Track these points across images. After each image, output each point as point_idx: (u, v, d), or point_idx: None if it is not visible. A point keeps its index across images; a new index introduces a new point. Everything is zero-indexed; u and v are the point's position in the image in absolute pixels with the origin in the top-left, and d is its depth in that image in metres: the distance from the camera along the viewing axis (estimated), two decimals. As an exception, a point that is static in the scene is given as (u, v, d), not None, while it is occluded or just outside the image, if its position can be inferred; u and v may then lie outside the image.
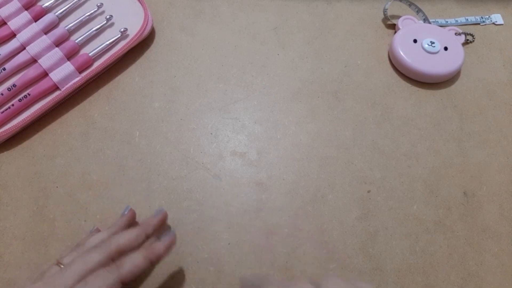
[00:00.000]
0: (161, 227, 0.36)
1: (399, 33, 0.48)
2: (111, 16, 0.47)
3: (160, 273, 0.38)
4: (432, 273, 0.38)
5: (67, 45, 0.45)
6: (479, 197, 0.42)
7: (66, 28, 0.46)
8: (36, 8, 0.47)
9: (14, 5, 0.46)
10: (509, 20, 0.51)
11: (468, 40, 0.49)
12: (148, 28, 0.47)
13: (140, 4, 0.48)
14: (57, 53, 0.44)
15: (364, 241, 0.40)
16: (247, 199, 0.41)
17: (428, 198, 0.41)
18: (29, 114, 0.43)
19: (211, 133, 0.44)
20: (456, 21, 0.51)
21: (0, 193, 0.41)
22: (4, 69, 0.44)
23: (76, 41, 0.45)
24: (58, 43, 0.45)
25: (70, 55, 0.45)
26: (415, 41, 0.47)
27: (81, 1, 0.48)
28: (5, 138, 0.42)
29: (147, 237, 0.34)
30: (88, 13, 0.47)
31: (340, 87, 0.47)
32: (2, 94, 0.43)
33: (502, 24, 0.51)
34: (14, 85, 0.43)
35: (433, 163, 0.43)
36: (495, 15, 0.52)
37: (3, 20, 0.46)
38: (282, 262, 0.39)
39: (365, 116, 0.45)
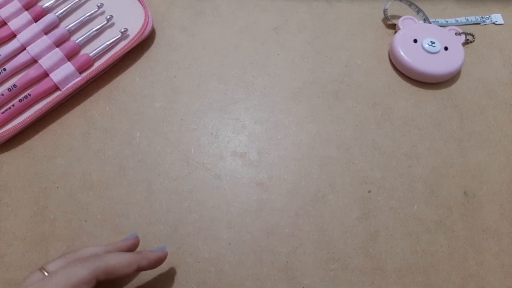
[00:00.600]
0: (157, 265, 0.34)
1: (399, 33, 0.48)
2: (112, 16, 0.47)
3: (161, 273, 0.38)
4: (433, 273, 0.38)
5: (68, 45, 0.45)
6: (480, 197, 0.42)
7: (67, 28, 0.46)
8: (36, 9, 0.47)
9: (15, 5, 0.46)
10: (509, 20, 0.51)
11: (468, 40, 0.49)
12: (149, 28, 0.47)
13: (140, 4, 0.48)
14: (57, 53, 0.44)
15: (364, 241, 0.40)
16: (248, 199, 0.41)
17: (428, 198, 0.42)
18: (30, 114, 0.43)
19: (212, 133, 0.44)
20: (456, 21, 0.51)
21: (1, 193, 0.41)
22: (4, 69, 0.44)
23: (77, 42, 0.45)
24: (58, 43, 0.45)
25: (70, 56, 0.45)
26: (415, 41, 0.47)
27: (81, 2, 0.48)
28: (5, 138, 0.42)
29: (139, 269, 0.32)
30: (89, 14, 0.47)
31: (341, 87, 0.47)
32: (2, 95, 0.43)
33: (502, 24, 0.51)
34: (14, 86, 0.43)
35: (434, 163, 0.43)
36: (495, 15, 0.52)
37: (3, 20, 0.46)
38: (282, 262, 0.39)
39: (365, 116, 0.45)
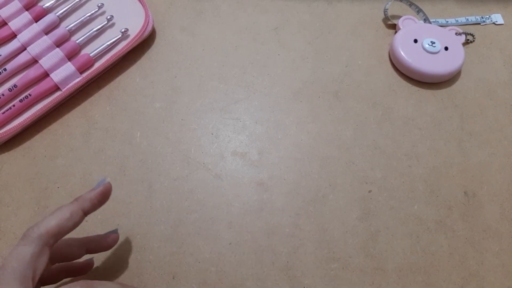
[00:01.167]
0: (102, 202, 0.32)
1: (399, 33, 0.48)
2: (112, 16, 0.47)
3: (161, 273, 0.38)
4: (433, 272, 0.38)
5: (68, 45, 0.45)
6: (480, 196, 0.42)
7: (67, 28, 0.46)
8: (36, 9, 0.47)
9: (15, 5, 0.46)
10: (510, 20, 0.52)
11: (468, 40, 0.50)
12: (149, 29, 0.47)
13: (140, 5, 0.48)
14: (58, 53, 0.44)
15: (365, 241, 0.40)
16: (248, 199, 0.41)
17: (429, 198, 0.42)
18: (30, 114, 0.43)
19: (212, 133, 0.44)
20: (457, 21, 0.51)
21: (1, 193, 0.41)
22: (5, 69, 0.44)
23: (77, 42, 0.45)
24: (59, 43, 0.45)
25: (71, 56, 0.45)
26: (415, 41, 0.47)
27: (81, 2, 0.48)
28: (6, 138, 0.43)
29: (85, 214, 0.30)
30: (89, 14, 0.47)
31: (341, 87, 0.47)
32: (3, 95, 0.43)
33: (502, 24, 0.51)
34: (15, 86, 0.43)
35: (434, 163, 0.43)
36: (496, 15, 0.52)
37: (3, 20, 0.46)
38: (283, 262, 0.39)
39: (366, 116, 0.45)
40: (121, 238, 0.39)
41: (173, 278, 0.38)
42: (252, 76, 0.47)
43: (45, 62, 0.44)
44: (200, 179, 0.42)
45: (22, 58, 0.44)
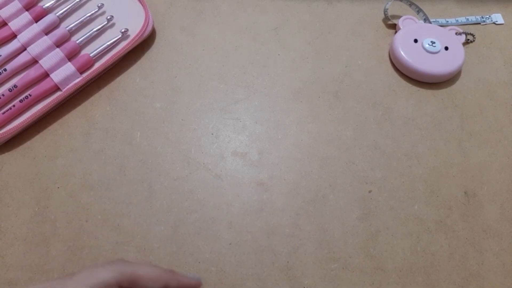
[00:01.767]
0: None
1: (399, 33, 0.48)
2: (112, 16, 0.47)
3: (162, 273, 0.38)
4: (433, 272, 0.38)
5: (68, 45, 0.45)
6: (480, 196, 0.42)
7: (67, 28, 0.46)
8: (36, 9, 0.47)
9: (15, 6, 0.46)
10: (510, 20, 0.51)
11: (468, 39, 0.50)
12: (149, 29, 0.47)
13: (140, 5, 0.48)
14: (58, 53, 0.44)
15: (365, 241, 0.40)
16: (248, 199, 0.41)
17: (429, 198, 0.42)
18: (30, 114, 0.43)
19: (212, 134, 0.44)
20: (457, 20, 0.51)
21: (1, 193, 0.41)
22: (5, 70, 0.44)
23: (77, 42, 0.45)
24: (59, 43, 0.45)
25: (71, 56, 0.45)
26: (415, 41, 0.47)
27: (82, 2, 0.48)
28: (6, 138, 0.43)
29: (166, 286, 0.29)
30: (89, 14, 0.47)
31: (341, 87, 0.47)
32: (3, 95, 0.43)
33: (502, 24, 0.51)
34: (15, 86, 0.43)
35: (434, 163, 0.43)
36: (496, 14, 0.52)
37: (4, 21, 0.46)
38: (283, 262, 0.39)
39: (366, 116, 0.45)
40: (122, 239, 0.39)
41: (173, 278, 0.38)
42: (252, 76, 0.47)
43: (45, 62, 0.44)
44: (200, 179, 0.42)
45: (22, 58, 0.44)
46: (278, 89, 0.47)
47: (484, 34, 0.50)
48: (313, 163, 0.43)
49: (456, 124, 0.45)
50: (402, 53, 0.46)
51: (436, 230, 0.40)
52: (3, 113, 0.42)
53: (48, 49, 0.45)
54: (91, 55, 0.45)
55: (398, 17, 0.50)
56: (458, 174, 0.43)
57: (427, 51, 0.47)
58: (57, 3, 0.48)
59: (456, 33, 0.49)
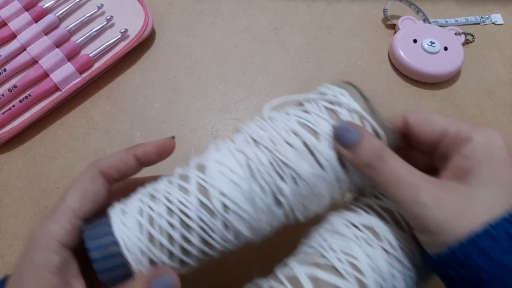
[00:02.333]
0: (160, 156, 0.29)
1: (399, 33, 0.48)
2: (112, 16, 0.47)
3: (161, 273, 0.38)
4: (433, 273, 0.38)
5: (68, 46, 0.45)
6: (480, 197, 0.42)
7: (67, 29, 0.46)
8: (36, 9, 0.47)
9: (15, 6, 0.46)
10: (509, 20, 0.51)
11: (468, 40, 0.50)
12: (149, 29, 0.47)
13: (140, 5, 0.48)
14: (57, 54, 0.44)
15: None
16: (248, 199, 0.41)
17: (428, 198, 0.41)
18: (30, 115, 0.43)
19: (212, 134, 0.44)
20: (456, 21, 0.51)
21: (1, 194, 0.41)
22: (4, 70, 0.44)
23: (77, 42, 0.45)
24: (58, 44, 0.45)
25: (70, 56, 0.45)
26: (415, 41, 0.47)
27: (81, 2, 0.48)
28: (6, 139, 0.43)
29: (138, 159, 0.28)
30: (89, 14, 0.47)
31: (341, 87, 0.47)
32: (3, 95, 0.43)
33: (502, 24, 0.51)
34: (14, 86, 0.43)
35: (434, 163, 0.43)
36: (495, 15, 0.52)
37: (3, 21, 0.46)
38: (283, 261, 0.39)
39: (365, 116, 0.45)
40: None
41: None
42: (251, 76, 0.47)
43: (45, 63, 0.44)
44: (200, 179, 0.42)
45: (22, 58, 0.44)
46: (278, 89, 0.47)
47: (484, 35, 0.50)
48: (312, 163, 0.43)
49: (455, 124, 0.45)
50: (401, 53, 0.46)
51: (436, 230, 0.40)
52: (3, 113, 0.42)
53: (48, 49, 0.45)
54: (90, 55, 0.45)
55: (398, 17, 0.50)
56: (457, 174, 0.43)
57: (427, 51, 0.47)
58: (57, 3, 0.48)
59: (455, 33, 0.49)
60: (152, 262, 0.25)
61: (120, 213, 0.26)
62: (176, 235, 0.25)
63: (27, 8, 0.47)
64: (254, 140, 0.27)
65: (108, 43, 0.45)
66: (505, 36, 0.51)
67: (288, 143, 0.26)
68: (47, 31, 0.46)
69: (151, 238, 0.25)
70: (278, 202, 0.26)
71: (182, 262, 0.26)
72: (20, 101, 0.43)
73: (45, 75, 0.44)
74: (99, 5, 0.47)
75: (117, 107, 0.45)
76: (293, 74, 0.47)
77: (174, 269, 0.26)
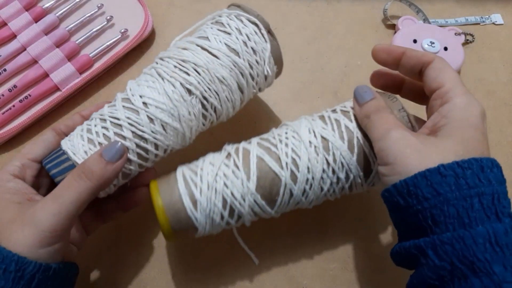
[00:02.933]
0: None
1: (399, 33, 0.48)
2: (112, 17, 0.47)
3: (161, 273, 0.38)
4: (432, 273, 0.38)
5: (68, 46, 0.45)
6: (479, 197, 0.42)
7: (67, 29, 0.46)
8: (36, 9, 0.47)
9: (15, 6, 0.46)
10: (509, 20, 0.51)
11: (468, 40, 0.50)
12: (149, 29, 0.47)
13: (140, 5, 0.48)
14: (57, 54, 0.44)
15: (364, 241, 0.40)
16: (248, 199, 0.41)
17: (428, 198, 0.41)
18: (30, 115, 0.43)
19: (212, 134, 0.44)
20: (456, 21, 0.51)
21: (1, 193, 0.41)
22: (5, 70, 0.44)
23: (77, 42, 0.45)
24: (58, 44, 0.46)
25: (70, 56, 0.45)
26: (415, 41, 0.47)
27: (81, 2, 0.48)
28: (6, 139, 0.43)
29: (84, 117, 0.35)
30: (89, 14, 0.47)
31: (340, 87, 0.47)
32: (3, 95, 0.43)
33: (502, 24, 0.51)
34: (15, 86, 0.43)
35: (433, 163, 0.43)
36: (495, 15, 0.52)
37: (3, 21, 0.46)
38: (282, 261, 0.39)
39: (365, 116, 0.45)
40: (122, 239, 0.39)
41: (172, 278, 0.38)
42: (251, 76, 0.47)
43: (45, 63, 0.44)
44: (200, 180, 0.42)
45: (22, 58, 0.44)
46: (277, 90, 0.47)
47: (484, 35, 0.50)
48: (312, 163, 0.43)
49: (455, 124, 0.45)
50: (401, 53, 0.46)
51: (435, 230, 0.40)
52: (3, 113, 0.42)
53: (48, 50, 0.45)
54: (90, 55, 0.45)
55: (398, 17, 0.50)
56: (457, 174, 0.43)
57: (427, 51, 0.46)
58: (57, 4, 0.48)
59: (455, 34, 0.49)
60: None
61: (66, 140, 0.33)
62: (110, 134, 0.31)
63: (27, 8, 0.47)
64: (160, 58, 0.34)
65: (108, 43, 0.45)
66: (505, 36, 0.51)
67: (185, 49, 0.34)
68: (47, 31, 0.46)
69: (90, 141, 0.32)
70: (188, 91, 0.33)
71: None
72: (20, 101, 0.43)
73: (45, 75, 0.44)
74: (99, 5, 0.47)
75: (117, 107, 0.45)
76: (293, 74, 0.47)
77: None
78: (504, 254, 0.24)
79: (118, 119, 0.32)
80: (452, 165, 0.26)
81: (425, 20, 0.50)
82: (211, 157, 0.33)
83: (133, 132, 0.32)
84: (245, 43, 0.34)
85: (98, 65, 0.45)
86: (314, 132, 0.32)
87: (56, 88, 0.44)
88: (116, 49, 0.46)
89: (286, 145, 0.32)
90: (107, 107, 0.33)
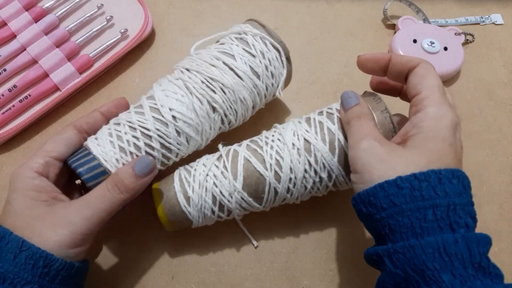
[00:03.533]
0: (119, 110, 0.36)
1: (399, 33, 0.48)
2: (112, 17, 0.47)
3: (161, 273, 0.38)
4: (432, 273, 0.38)
5: (68, 46, 0.45)
6: (479, 197, 0.42)
7: (67, 29, 0.46)
8: (36, 9, 0.47)
9: (15, 6, 0.46)
10: (509, 20, 0.51)
11: (468, 40, 0.50)
12: (148, 29, 0.47)
13: (140, 5, 0.48)
14: (57, 54, 0.44)
15: (364, 241, 0.40)
16: (247, 199, 0.41)
17: (428, 198, 0.41)
18: (30, 115, 0.43)
19: (211, 134, 0.44)
20: (456, 21, 0.51)
21: (2, 193, 0.41)
22: (5, 70, 0.44)
23: (77, 42, 0.45)
24: (58, 44, 0.45)
25: (70, 56, 0.45)
26: (415, 41, 0.47)
27: (81, 2, 0.48)
28: (6, 139, 0.43)
29: (103, 114, 0.36)
30: (89, 14, 0.47)
31: (340, 88, 0.47)
32: (3, 95, 0.43)
33: (502, 24, 0.51)
34: (15, 86, 0.43)
35: (433, 163, 0.43)
36: (495, 15, 0.52)
37: (3, 21, 0.46)
38: (282, 262, 0.39)
39: (365, 116, 0.45)
40: (121, 238, 0.39)
41: (172, 278, 0.38)
42: (251, 76, 0.47)
43: (45, 63, 0.44)
44: (199, 179, 0.42)
45: (22, 58, 0.44)
46: (277, 89, 0.47)
47: (484, 35, 0.50)
48: (312, 163, 0.43)
49: (455, 124, 0.45)
50: (401, 53, 0.46)
51: (435, 230, 0.40)
52: (3, 113, 0.42)
53: (48, 50, 0.45)
54: (90, 55, 0.45)
55: (398, 17, 0.50)
56: (457, 174, 0.43)
57: (426, 52, 0.47)
58: (57, 3, 0.48)
59: (455, 34, 0.49)
60: None
61: (93, 140, 0.34)
62: (141, 144, 0.33)
63: (27, 8, 0.47)
64: (187, 69, 0.36)
65: (108, 43, 0.45)
66: (505, 36, 0.51)
67: (213, 65, 0.35)
68: (47, 31, 0.46)
69: (121, 149, 0.33)
70: (213, 109, 0.35)
71: None
72: (20, 101, 0.43)
73: (45, 75, 0.44)
74: (99, 5, 0.47)
75: (117, 107, 0.45)
76: (293, 74, 0.47)
77: None
78: (453, 263, 0.25)
79: (148, 129, 0.33)
80: (410, 177, 0.27)
81: (425, 20, 0.50)
82: (204, 159, 0.36)
83: (161, 143, 0.34)
84: (266, 67, 0.36)
85: (98, 65, 0.45)
86: (298, 135, 0.34)
87: (56, 88, 0.44)
88: (116, 49, 0.46)
89: (271, 147, 0.34)
90: (134, 114, 0.34)
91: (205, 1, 0.52)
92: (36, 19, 0.46)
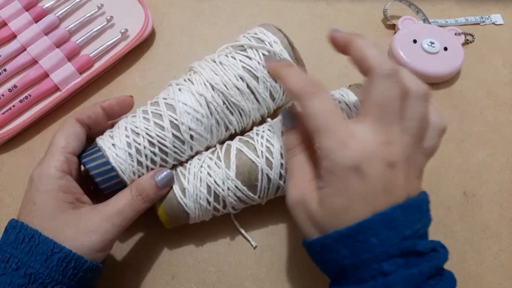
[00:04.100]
0: (123, 109, 0.37)
1: (399, 33, 0.48)
2: (112, 17, 0.47)
3: (160, 273, 0.38)
4: (432, 273, 0.38)
5: (68, 46, 0.45)
6: (479, 197, 0.42)
7: (67, 29, 0.46)
8: (36, 9, 0.47)
9: (15, 6, 0.46)
10: (509, 20, 0.51)
11: (468, 40, 0.50)
12: (149, 29, 0.47)
13: (140, 5, 0.48)
14: (57, 54, 0.44)
15: (364, 241, 0.40)
16: (248, 199, 0.41)
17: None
18: (30, 115, 0.43)
19: (212, 134, 0.44)
20: (456, 21, 0.51)
21: (2, 194, 0.41)
22: (5, 70, 0.44)
23: (77, 42, 0.45)
24: (58, 44, 0.46)
25: (70, 56, 0.45)
26: (414, 41, 0.47)
27: (81, 2, 0.48)
28: (6, 139, 0.43)
29: (104, 110, 0.36)
30: (89, 14, 0.47)
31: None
32: (3, 95, 0.43)
33: (502, 24, 0.51)
34: (15, 86, 0.43)
35: (433, 163, 0.43)
36: (495, 15, 0.52)
37: (3, 21, 0.46)
38: (282, 262, 0.39)
39: (365, 117, 0.45)
40: (121, 237, 0.39)
41: (172, 278, 0.38)
42: (251, 76, 0.47)
43: (45, 63, 0.44)
44: (200, 180, 0.42)
45: (22, 58, 0.44)
46: (277, 90, 0.47)
47: (484, 35, 0.50)
48: (312, 163, 0.43)
49: (455, 124, 0.45)
50: (401, 53, 0.46)
51: (435, 230, 0.40)
52: (3, 113, 0.42)
53: (48, 50, 0.45)
54: (90, 55, 0.45)
55: (398, 17, 0.50)
56: (457, 174, 0.43)
57: (426, 52, 0.47)
58: (57, 3, 0.48)
59: (455, 34, 0.49)
60: None
61: (112, 152, 0.34)
62: (157, 159, 0.35)
63: (27, 8, 0.47)
64: (211, 85, 0.35)
65: (108, 43, 0.45)
66: (505, 36, 0.51)
67: (237, 87, 0.35)
68: (47, 31, 0.46)
69: (139, 163, 0.34)
70: (227, 128, 0.37)
71: None
72: (20, 101, 0.43)
73: (45, 75, 0.44)
74: (99, 5, 0.47)
75: (117, 107, 0.45)
76: (292, 74, 0.47)
77: None
78: None
79: (166, 146, 0.35)
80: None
81: (425, 20, 0.50)
82: (199, 154, 0.37)
83: (175, 158, 0.36)
84: (283, 91, 0.37)
85: (98, 65, 0.45)
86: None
87: (56, 88, 0.44)
88: (116, 49, 0.46)
89: (262, 136, 0.36)
90: (154, 125, 0.34)
91: (205, 1, 0.52)
92: (36, 19, 0.46)
